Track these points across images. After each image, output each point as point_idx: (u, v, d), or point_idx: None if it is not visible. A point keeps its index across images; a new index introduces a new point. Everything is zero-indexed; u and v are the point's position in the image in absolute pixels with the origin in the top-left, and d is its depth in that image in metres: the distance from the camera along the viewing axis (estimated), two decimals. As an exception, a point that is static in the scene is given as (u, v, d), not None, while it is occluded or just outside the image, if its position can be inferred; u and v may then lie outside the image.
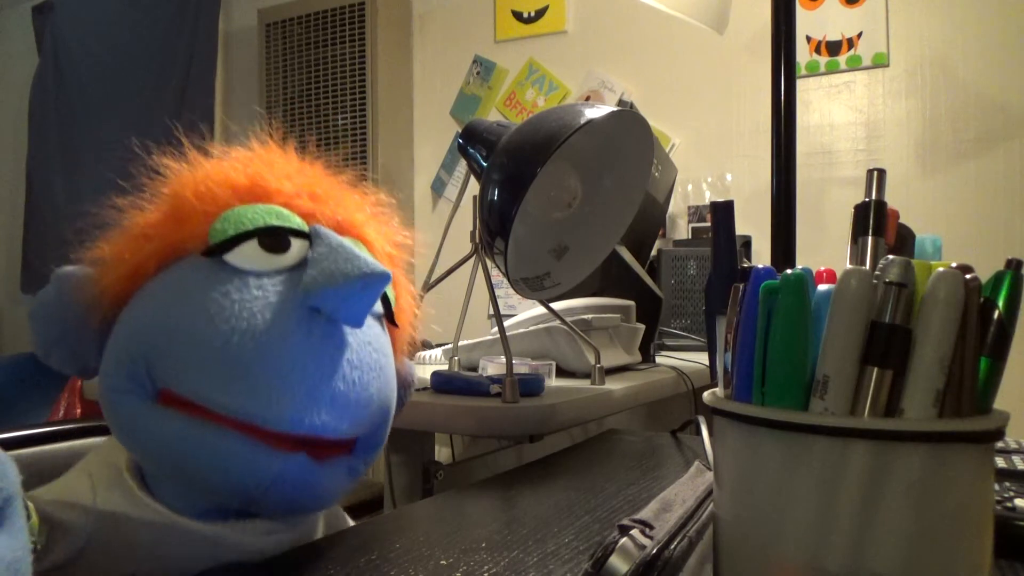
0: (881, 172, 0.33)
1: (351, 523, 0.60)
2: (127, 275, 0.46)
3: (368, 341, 0.46)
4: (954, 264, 0.28)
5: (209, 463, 0.42)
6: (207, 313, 0.42)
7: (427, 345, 1.28)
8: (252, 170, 0.49)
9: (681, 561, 0.34)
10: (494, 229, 0.73)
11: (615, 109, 0.76)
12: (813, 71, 2.16)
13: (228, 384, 0.41)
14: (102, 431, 0.74)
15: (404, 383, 0.57)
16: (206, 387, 0.42)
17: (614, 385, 0.90)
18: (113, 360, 0.45)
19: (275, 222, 0.46)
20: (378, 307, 0.49)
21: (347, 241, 0.46)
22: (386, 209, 0.54)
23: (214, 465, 0.42)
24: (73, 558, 0.44)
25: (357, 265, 0.43)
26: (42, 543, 0.43)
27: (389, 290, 0.51)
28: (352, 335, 0.45)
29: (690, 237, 2.14)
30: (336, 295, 0.43)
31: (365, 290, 0.43)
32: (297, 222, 0.48)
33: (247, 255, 0.45)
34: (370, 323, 0.47)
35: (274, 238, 0.46)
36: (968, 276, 0.28)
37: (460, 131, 0.84)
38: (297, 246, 0.46)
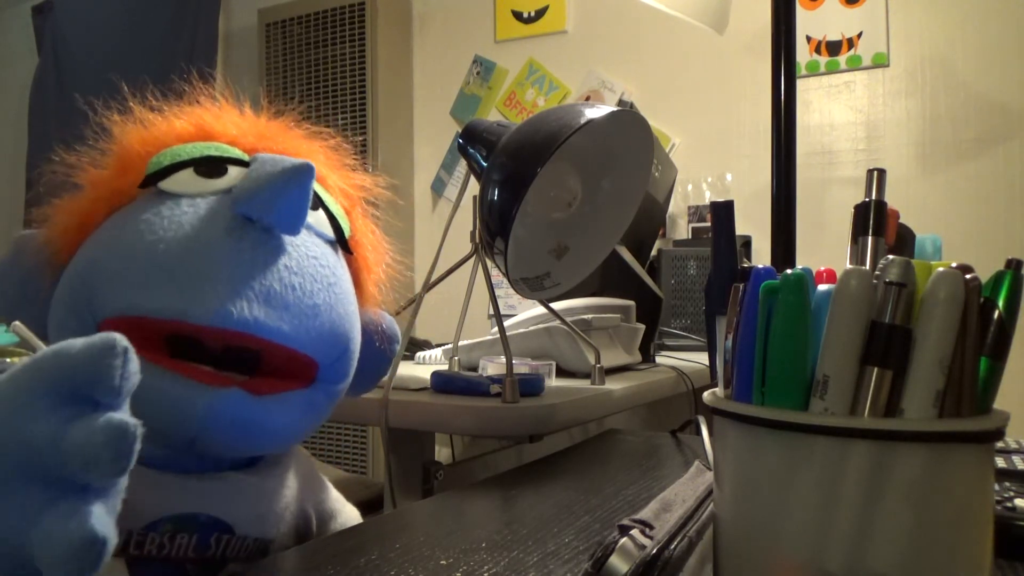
0: (881, 172, 0.33)
1: (331, 489, 0.60)
2: (76, 226, 0.47)
3: (314, 256, 0.46)
4: (954, 264, 0.28)
5: (141, 400, 0.41)
6: (137, 231, 0.43)
7: (427, 345, 1.28)
8: (197, 119, 0.50)
9: (681, 561, 0.34)
10: (494, 229, 0.73)
11: (615, 109, 0.76)
12: (813, 71, 2.16)
13: (156, 288, 0.41)
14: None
15: (382, 335, 0.56)
16: (137, 296, 0.42)
17: (614, 385, 0.90)
18: (57, 300, 0.45)
19: (212, 153, 0.47)
20: (329, 233, 0.49)
21: (297, 159, 0.45)
22: (344, 156, 0.55)
23: (146, 402, 0.40)
24: None
25: (280, 165, 0.43)
26: None
27: (342, 219, 0.51)
28: (293, 246, 0.45)
29: (690, 237, 2.14)
30: (260, 196, 0.43)
31: (287, 185, 0.42)
32: (236, 152, 0.48)
33: (181, 181, 0.46)
34: (318, 242, 0.48)
35: (210, 165, 0.46)
36: (968, 276, 0.28)
37: (460, 131, 0.84)
38: (235, 172, 0.47)
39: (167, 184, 0.46)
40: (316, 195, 0.50)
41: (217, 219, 0.44)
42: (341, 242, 0.51)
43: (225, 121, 0.50)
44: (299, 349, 0.45)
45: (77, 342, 0.28)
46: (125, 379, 0.28)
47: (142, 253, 0.42)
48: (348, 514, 0.61)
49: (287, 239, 0.45)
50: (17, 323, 0.39)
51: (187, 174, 0.46)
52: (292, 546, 0.53)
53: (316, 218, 0.49)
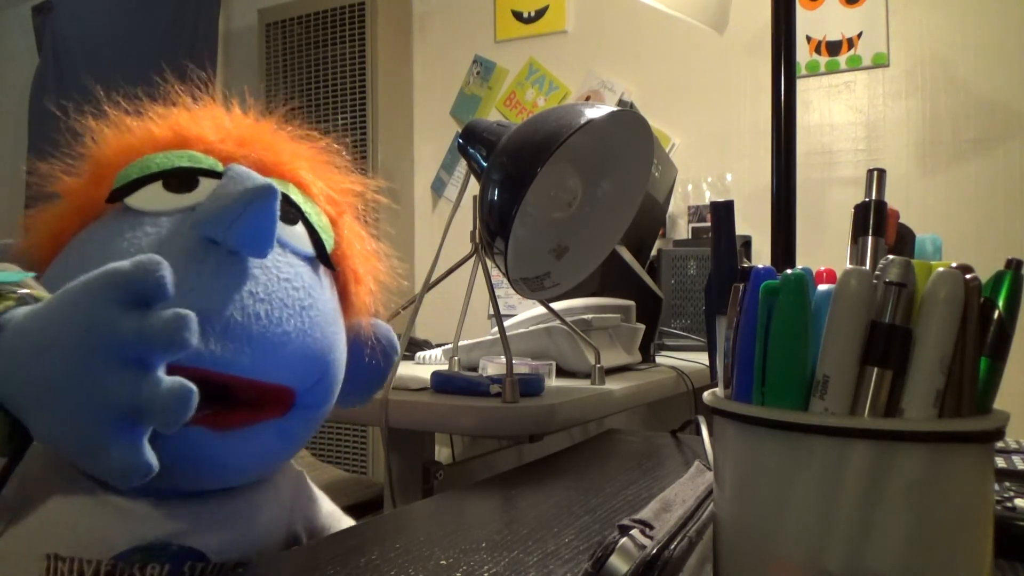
0: (881, 172, 0.33)
1: (328, 504, 0.57)
2: (50, 238, 0.46)
3: (286, 278, 0.44)
4: (954, 264, 0.28)
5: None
6: (100, 256, 0.41)
7: (427, 345, 1.28)
8: (175, 122, 0.48)
9: (681, 561, 0.34)
10: (494, 229, 0.73)
11: (615, 109, 0.76)
12: (813, 71, 2.16)
13: None
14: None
15: (374, 347, 0.54)
16: None
17: (614, 385, 0.90)
18: None
19: (184, 164, 0.45)
20: (308, 249, 0.47)
21: (263, 178, 0.44)
22: (334, 157, 0.53)
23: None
24: None
25: (243, 185, 0.41)
26: None
27: (324, 232, 0.49)
28: (261, 268, 0.43)
29: (690, 237, 2.14)
30: (222, 218, 0.41)
31: (250, 207, 0.40)
32: (210, 163, 0.46)
33: (148, 197, 0.44)
34: (293, 262, 0.45)
35: (180, 178, 0.45)
36: (968, 276, 0.28)
37: (460, 131, 0.84)
38: (206, 184, 0.45)
39: (133, 200, 0.44)
40: (296, 208, 0.48)
41: (178, 243, 0.42)
42: (322, 258, 0.48)
43: (203, 125, 0.48)
44: (267, 380, 0.43)
45: (125, 263, 0.34)
46: (171, 284, 0.34)
47: None
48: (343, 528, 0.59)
49: (255, 262, 0.43)
50: (30, 278, 0.41)
51: (155, 189, 0.44)
52: None
53: (293, 234, 0.47)
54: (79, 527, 0.43)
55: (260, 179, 0.42)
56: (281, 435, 0.46)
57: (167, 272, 0.34)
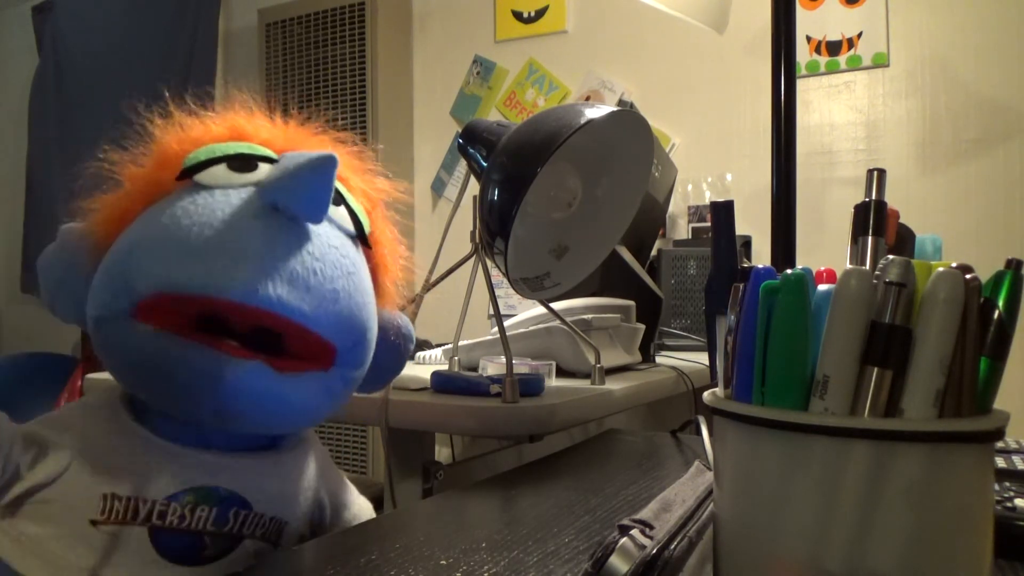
0: (881, 172, 0.33)
1: (348, 486, 0.62)
2: (116, 217, 0.50)
3: (335, 245, 0.49)
4: (954, 264, 0.28)
5: (170, 373, 0.44)
6: (174, 216, 0.46)
7: (427, 345, 1.28)
8: (232, 121, 0.53)
9: (681, 561, 0.34)
10: (494, 229, 0.73)
11: (615, 109, 0.76)
12: (813, 71, 2.16)
13: (187, 266, 0.44)
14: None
15: (398, 332, 0.59)
16: (170, 273, 0.44)
17: (614, 385, 0.90)
18: (98, 284, 0.48)
19: (245, 150, 0.50)
20: (350, 227, 0.52)
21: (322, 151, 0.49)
22: (367, 161, 0.58)
23: (176, 372, 0.44)
24: (56, 475, 0.46)
25: (306, 156, 0.46)
26: (26, 462, 0.46)
27: (363, 216, 0.54)
28: (315, 234, 0.48)
29: (690, 237, 2.14)
30: (286, 184, 0.46)
31: (312, 174, 0.45)
32: (267, 152, 0.51)
33: (216, 175, 0.49)
34: (338, 235, 0.50)
35: (242, 161, 0.49)
36: (968, 276, 0.28)
37: (460, 131, 0.84)
38: (265, 168, 0.50)
39: (202, 177, 0.48)
40: (338, 192, 0.52)
41: (247, 207, 0.47)
42: (361, 237, 0.53)
43: (257, 125, 0.54)
44: (318, 331, 0.47)
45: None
46: None
47: (177, 236, 0.45)
48: (361, 506, 0.63)
49: (310, 228, 0.48)
50: None
51: (221, 168, 0.49)
52: (305, 532, 0.54)
53: (338, 213, 0.52)
54: (135, 469, 0.47)
55: (320, 152, 0.46)
56: (324, 388, 0.50)
57: None
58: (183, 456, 0.48)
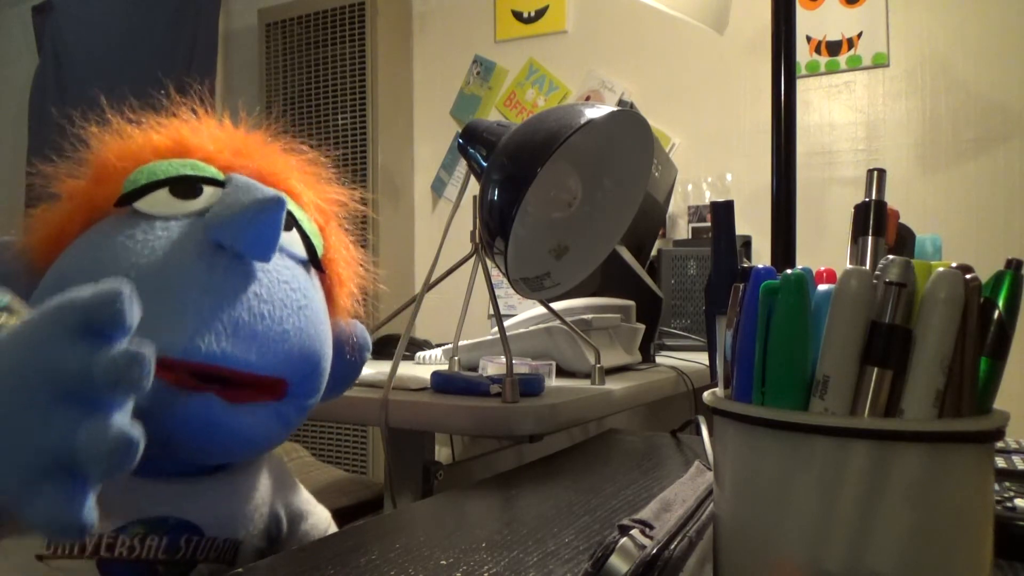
0: (881, 172, 0.33)
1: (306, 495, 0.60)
2: (52, 237, 0.48)
3: (284, 280, 0.47)
4: (954, 264, 0.28)
5: None
6: (112, 255, 0.44)
7: (427, 345, 1.28)
8: (175, 132, 0.50)
9: (681, 561, 0.34)
10: (494, 229, 0.73)
11: (615, 109, 0.76)
12: (813, 71, 2.16)
13: None
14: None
15: (353, 345, 0.58)
16: None
17: (614, 385, 0.90)
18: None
19: (188, 172, 0.48)
20: (302, 253, 0.50)
21: (270, 189, 0.46)
22: (320, 169, 0.56)
23: None
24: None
25: (252, 195, 0.44)
26: None
27: (315, 237, 0.52)
28: (264, 272, 0.46)
29: (690, 237, 2.14)
30: (233, 224, 0.43)
31: (259, 215, 0.43)
32: (212, 172, 0.49)
33: (156, 201, 0.46)
34: (289, 265, 0.48)
35: (185, 185, 0.47)
36: (968, 276, 0.28)
37: (460, 131, 0.84)
38: (209, 192, 0.47)
39: (142, 204, 0.46)
40: (290, 215, 0.50)
41: (189, 245, 0.44)
42: (314, 261, 0.51)
43: (202, 135, 0.51)
44: (267, 374, 0.46)
45: (84, 289, 0.32)
46: (132, 319, 0.32)
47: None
48: (319, 515, 0.62)
49: (258, 265, 0.46)
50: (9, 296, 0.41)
51: (162, 194, 0.47)
52: (262, 546, 0.54)
53: (289, 239, 0.50)
54: None
55: (268, 190, 0.45)
56: (277, 417, 0.49)
57: (127, 305, 0.32)
58: (131, 486, 0.46)
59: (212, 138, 0.51)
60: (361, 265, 0.57)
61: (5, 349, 0.33)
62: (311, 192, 0.54)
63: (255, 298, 0.45)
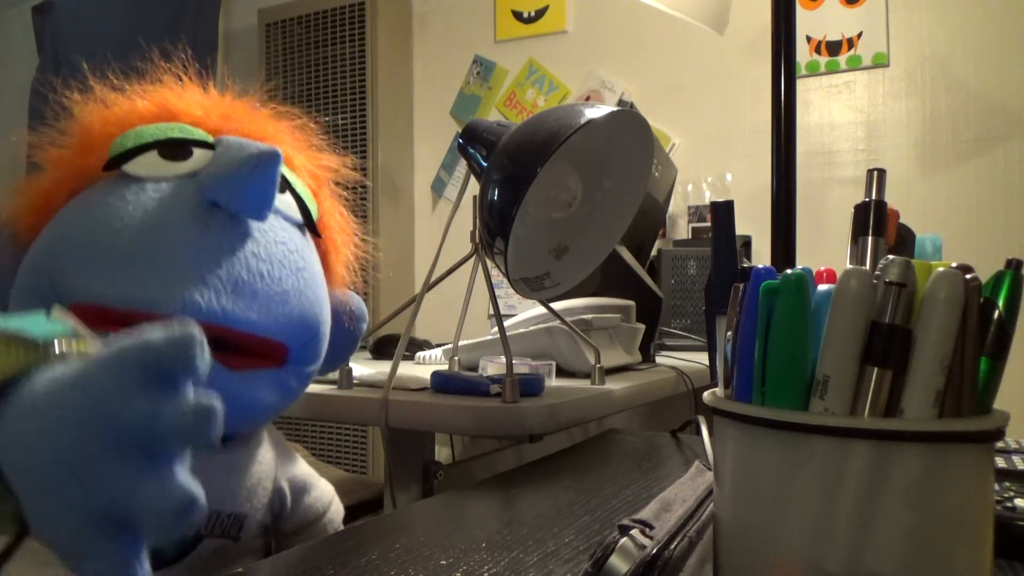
0: (881, 172, 0.33)
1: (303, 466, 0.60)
2: (38, 207, 0.47)
3: (282, 241, 0.46)
4: (954, 264, 0.28)
5: None
6: (103, 216, 0.42)
7: (427, 345, 1.28)
8: (160, 98, 0.49)
9: (681, 561, 0.34)
10: (494, 229, 0.73)
11: (615, 109, 0.76)
12: (813, 71, 2.16)
13: (115, 275, 0.41)
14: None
15: (350, 315, 0.57)
16: (98, 284, 0.41)
17: (614, 385, 0.90)
18: (20, 282, 0.45)
19: (177, 135, 0.46)
20: (297, 216, 0.49)
21: (264, 144, 0.45)
22: (311, 135, 0.55)
23: None
24: None
25: (247, 150, 0.43)
26: None
27: (309, 200, 0.51)
28: (260, 232, 0.45)
29: (690, 237, 2.14)
30: (227, 182, 0.42)
31: (255, 172, 0.42)
32: (201, 134, 0.47)
33: (146, 164, 0.45)
34: (285, 227, 0.47)
35: (174, 148, 0.46)
36: (968, 276, 0.28)
37: (460, 131, 0.84)
38: (200, 155, 0.46)
39: (131, 167, 0.45)
40: (283, 178, 0.49)
41: (182, 204, 0.43)
42: (309, 225, 0.50)
43: (188, 100, 0.50)
44: (268, 336, 0.45)
45: (156, 332, 0.30)
46: (204, 366, 0.30)
47: (107, 240, 0.41)
48: (322, 488, 0.61)
49: (254, 225, 0.44)
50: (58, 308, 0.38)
51: (151, 157, 0.45)
52: (266, 521, 0.54)
53: (283, 201, 0.48)
54: None
55: (262, 145, 0.43)
56: (278, 385, 0.48)
57: (199, 349, 0.29)
58: None
59: (198, 103, 0.50)
60: (356, 234, 0.56)
61: (67, 389, 0.30)
62: (302, 156, 0.53)
63: (253, 257, 0.43)
